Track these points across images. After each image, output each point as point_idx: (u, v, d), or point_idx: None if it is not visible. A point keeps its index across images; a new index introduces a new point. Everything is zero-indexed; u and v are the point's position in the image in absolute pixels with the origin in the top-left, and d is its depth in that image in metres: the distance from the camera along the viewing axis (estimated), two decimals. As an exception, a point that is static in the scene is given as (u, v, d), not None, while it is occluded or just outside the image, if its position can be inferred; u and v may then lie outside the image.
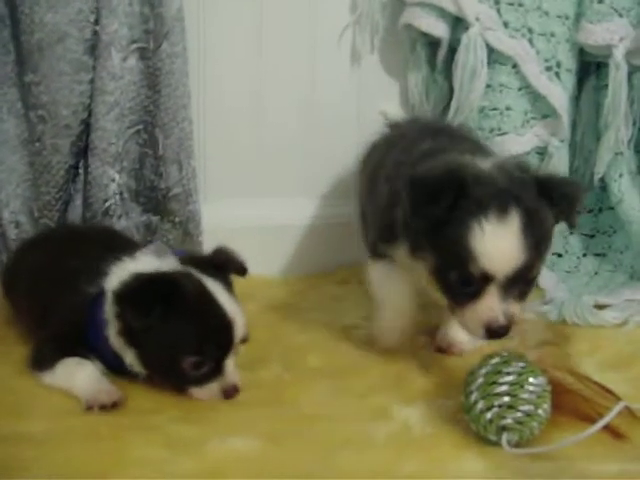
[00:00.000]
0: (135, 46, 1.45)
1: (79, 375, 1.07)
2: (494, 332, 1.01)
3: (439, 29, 1.48)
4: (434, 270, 1.04)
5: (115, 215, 1.49)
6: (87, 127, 1.45)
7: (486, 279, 0.99)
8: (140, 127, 1.49)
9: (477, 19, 1.45)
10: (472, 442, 0.96)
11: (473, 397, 0.95)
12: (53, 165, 1.45)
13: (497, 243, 0.98)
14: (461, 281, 1.01)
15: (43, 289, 1.19)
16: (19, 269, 1.30)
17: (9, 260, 1.41)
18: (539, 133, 1.51)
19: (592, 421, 0.94)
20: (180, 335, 1.04)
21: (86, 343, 1.10)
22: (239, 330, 1.07)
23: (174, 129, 1.48)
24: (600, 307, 1.39)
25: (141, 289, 1.05)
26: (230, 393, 1.06)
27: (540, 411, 0.94)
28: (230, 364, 1.07)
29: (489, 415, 0.93)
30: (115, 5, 1.41)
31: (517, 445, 0.93)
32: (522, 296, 1.03)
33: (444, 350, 1.22)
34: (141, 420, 1.01)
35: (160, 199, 1.51)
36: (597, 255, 1.58)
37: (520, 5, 1.47)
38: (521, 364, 0.96)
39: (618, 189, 1.50)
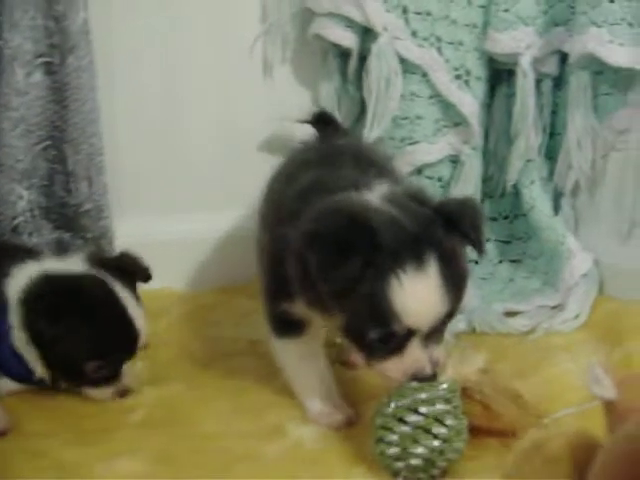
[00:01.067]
0: (40, 60, 1.42)
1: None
2: (421, 379, 0.94)
3: (348, 39, 1.48)
4: (346, 329, 0.96)
5: (25, 232, 1.46)
6: (-8, 144, 1.43)
7: (410, 333, 0.93)
8: (48, 143, 1.46)
9: (385, 29, 1.45)
10: (362, 459, 0.96)
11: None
12: (-42, 184, 1.42)
13: (419, 297, 0.91)
14: (382, 339, 0.93)
15: None
16: None
17: None
18: (451, 141, 1.51)
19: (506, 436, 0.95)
20: (85, 340, 1.06)
21: None
22: (141, 335, 1.08)
23: (83, 144, 1.45)
24: (511, 314, 1.40)
25: (49, 295, 1.04)
26: (123, 394, 1.10)
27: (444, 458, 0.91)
28: (126, 367, 1.09)
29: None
30: (17, 19, 1.38)
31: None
32: (440, 337, 0.98)
33: (348, 364, 1.20)
34: (32, 444, 1.01)
35: (71, 215, 1.49)
36: (513, 261, 1.58)
37: (428, 14, 1.47)
38: (432, 407, 0.91)
39: (530, 196, 1.52)
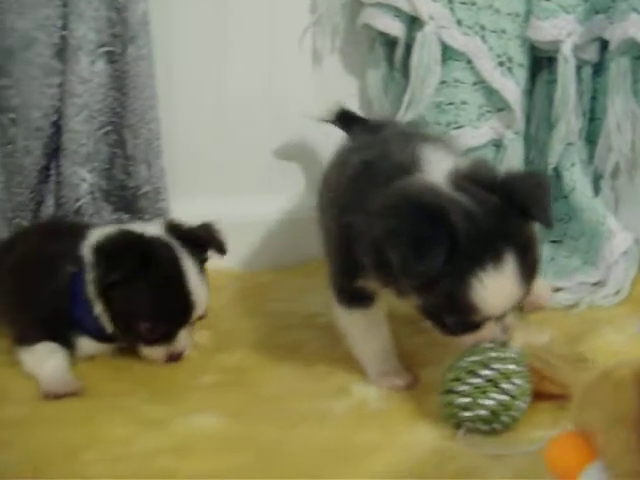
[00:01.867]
0: (103, 50, 1.49)
1: (46, 365, 1.13)
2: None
3: (395, 28, 1.54)
4: (424, 311, 1.00)
5: (87, 214, 1.53)
6: (58, 129, 1.50)
7: (488, 319, 0.99)
8: (109, 128, 1.54)
9: (431, 18, 1.51)
10: (425, 415, 1.02)
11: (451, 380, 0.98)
12: (25, 167, 1.50)
13: (497, 291, 0.95)
14: (460, 325, 0.99)
15: (25, 275, 1.24)
16: (1, 262, 1.33)
17: None
18: (494, 126, 1.57)
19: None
20: (142, 301, 1.13)
21: (71, 320, 1.17)
22: (199, 308, 1.14)
23: (142, 130, 1.53)
24: (554, 290, 1.45)
25: (118, 244, 1.13)
26: (175, 357, 1.16)
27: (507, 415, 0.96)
28: (183, 333, 1.15)
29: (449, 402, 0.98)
30: (82, 10, 1.46)
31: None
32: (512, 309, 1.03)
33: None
34: (112, 402, 1.07)
35: (130, 198, 1.56)
36: (554, 242, 1.63)
37: (473, 4, 1.53)
38: (504, 365, 0.97)
39: (570, 178, 1.57)
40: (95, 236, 1.17)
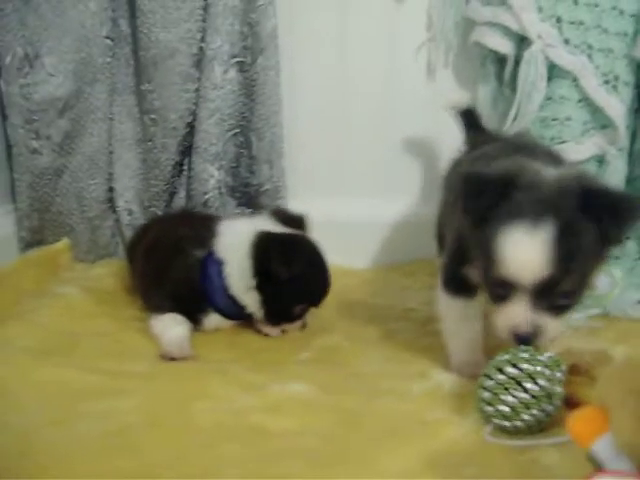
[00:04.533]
0: (235, 60, 1.67)
1: (170, 331, 1.30)
2: (518, 337, 1.03)
3: (505, 46, 1.63)
4: (479, 268, 1.07)
5: (213, 207, 1.71)
6: (192, 129, 1.68)
7: (515, 287, 1.01)
8: (237, 130, 1.71)
9: (539, 37, 1.59)
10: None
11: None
12: (162, 162, 1.69)
13: (521, 252, 0.98)
14: (494, 283, 1.04)
15: (159, 255, 1.42)
16: (139, 242, 1.54)
17: (131, 238, 1.66)
18: (598, 142, 1.63)
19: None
20: (300, 287, 1.31)
21: (203, 298, 1.34)
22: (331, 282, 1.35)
23: (266, 133, 1.69)
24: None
25: (286, 243, 1.31)
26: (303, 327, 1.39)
27: (532, 413, 1.00)
28: None
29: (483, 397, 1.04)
30: (219, 25, 1.64)
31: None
32: (559, 310, 1.03)
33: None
34: (221, 367, 1.22)
35: (253, 194, 1.73)
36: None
37: (581, 24, 1.59)
38: (531, 366, 1.00)
39: (672, 195, 1.61)
40: (233, 237, 1.34)
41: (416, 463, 0.95)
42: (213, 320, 1.36)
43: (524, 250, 0.98)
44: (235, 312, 1.35)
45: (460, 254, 1.15)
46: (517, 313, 1.02)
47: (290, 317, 1.36)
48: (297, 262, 1.28)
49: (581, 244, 0.99)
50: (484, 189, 1.03)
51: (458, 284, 1.18)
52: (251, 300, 1.32)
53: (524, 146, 1.21)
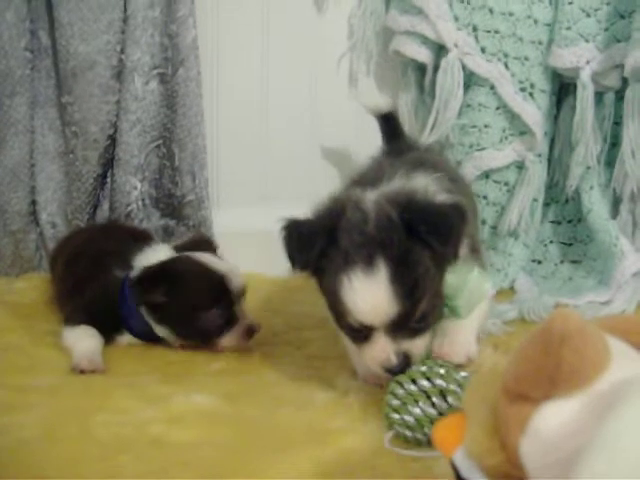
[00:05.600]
0: (155, 72, 1.67)
1: (81, 343, 1.29)
2: (390, 370, 1.03)
3: (423, 55, 1.65)
4: (331, 313, 1.07)
5: (137, 219, 1.71)
6: (113, 141, 1.68)
7: (370, 328, 1.01)
8: (160, 142, 1.71)
9: (455, 45, 1.61)
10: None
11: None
12: (83, 174, 1.68)
13: (365, 297, 0.98)
14: (350, 328, 1.04)
15: (80, 266, 1.42)
16: (60, 254, 1.54)
17: (53, 249, 1.65)
18: (517, 148, 1.65)
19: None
20: (190, 299, 1.29)
21: (119, 317, 1.34)
22: (234, 280, 1.30)
23: (188, 144, 1.69)
24: (561, 307, 1.52)
25: (144, 277, 1.29)
26: (251, 331, 1.32)
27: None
28: (240, 310, 1.31)
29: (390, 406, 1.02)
30: (138, 37, 1.64)
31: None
32: (420, 331, 1.03)
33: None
34: (129, 380, 1.21)
35: (176, 205, 1.73)
36: (573, 262, 1.70)
37: (496, 32, 1.62)
38: (444, 383, 0.99)
39: (588, 200, 1.63)
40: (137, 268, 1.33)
41: (310, 472, 0.95)
42: (126, 339, 1.36)
43: (365, 297, 0.98)
44: (149, 336, 1.34)
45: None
46: (380, 349, 1.02)
47: (206, 329, 1.32)
48: (163, 283, 1.28)
49: (417, 270, 0.99)
50: (307, 241, 1.03)
51: None
52: (160, 330, 1.33)
53: (419, 162, 1.19)
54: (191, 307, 1.29)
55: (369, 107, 1.56)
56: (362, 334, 1.03)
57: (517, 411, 0.56)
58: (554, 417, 0.51)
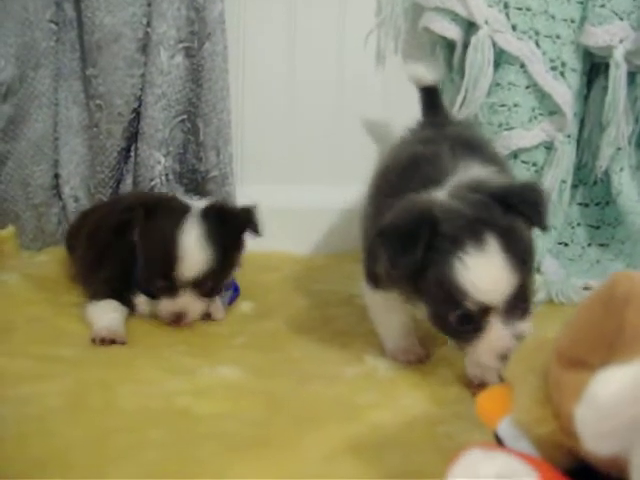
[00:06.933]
0: (181, 45, 1.65)
1: (105, 316, 1.28)
2: (505, 358, 0.98)
3: (452, 32, 1.62)
4: (431, 316, 1.03)
5: (160, 193, 1.69)
6: (137, 115, 1.66)
7: (486, 311, 0.98)
8: (184, 117, 1.69)
9: (486, 22, 1.58)
10: (426, 386, 1.10)
11: None
12: (107, 148, 1.67)
13: (484, 273, 0.96)
14: (461, 321, 0.99)
15: (98, 242, 1.41)
16: (79, 230, 1.52)
17: (71, 224, 1.64)
18: (546, 129, 1.62)
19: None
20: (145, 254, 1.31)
21: (133, 281, 1.33)
22: (186, 268, 1.27)
23: (213, 119, 1.67)
24: (589, 289, 1.50)
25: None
26: (179, 318, 1.30)
27: None
28: (186, 294, 1.29)
29: None
30: (165, 9, 1.62)
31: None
32: (524, 313, 1.01)
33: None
34: (153, 352, 1.21)
35: (200, 181, 1.71)
36: (601, 245, 1.67)
37: (528, 9, 1.59)
38: None
39: (618, 182, 1.60)
40: None
41: (338, 446, 0.94)
42: (141, 304, 1.34)
43: (482, 273, 0.96)
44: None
45: (373, 253, 1.12)
46: (500, 336, 0.99)
47: (150, 288, 1.31)
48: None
49: (524, 241, 1.00)
50: (409, 239, 0.99)
51: (376, 279, 1.16)
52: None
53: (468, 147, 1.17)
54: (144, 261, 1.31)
55: (415, 77, 1.52)
56: (473, 326, 0.99)
57: (572, 377, 0.54)
58: (612, 384, 0.49)
